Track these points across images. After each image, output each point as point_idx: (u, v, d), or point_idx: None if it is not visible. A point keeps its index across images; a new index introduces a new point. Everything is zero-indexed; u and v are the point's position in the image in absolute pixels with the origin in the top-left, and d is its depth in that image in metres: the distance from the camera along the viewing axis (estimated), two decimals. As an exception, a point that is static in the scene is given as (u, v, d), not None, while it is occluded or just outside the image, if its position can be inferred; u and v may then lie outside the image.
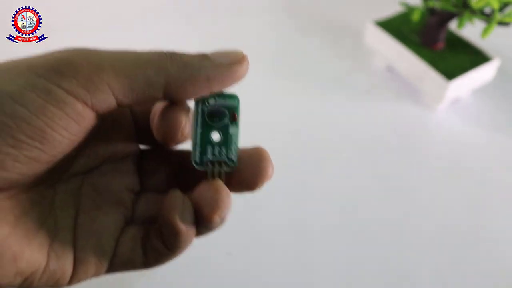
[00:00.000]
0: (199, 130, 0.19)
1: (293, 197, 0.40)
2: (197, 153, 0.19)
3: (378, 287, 0.35)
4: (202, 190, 0.19)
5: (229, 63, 0.18)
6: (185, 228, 0.18)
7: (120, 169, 0.22)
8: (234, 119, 0.19)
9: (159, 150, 0.23)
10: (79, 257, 0.19)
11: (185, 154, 0.22)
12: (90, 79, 0.16)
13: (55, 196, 0.20)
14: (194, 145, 0.19)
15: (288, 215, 0.39)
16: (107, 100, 0.17)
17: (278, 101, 0.49)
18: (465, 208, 0.40)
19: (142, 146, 0.23)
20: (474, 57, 0.47)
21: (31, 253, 0.18)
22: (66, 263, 0.19)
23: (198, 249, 0.36)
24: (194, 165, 0.19)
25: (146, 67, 0.17)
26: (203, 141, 0.19)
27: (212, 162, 0.19)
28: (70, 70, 0.16)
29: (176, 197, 0.18)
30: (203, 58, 0.18)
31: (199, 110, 0.19)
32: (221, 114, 0.19)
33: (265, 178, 0.19)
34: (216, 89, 0.18)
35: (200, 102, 0.19)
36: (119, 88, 0.17)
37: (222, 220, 0.19)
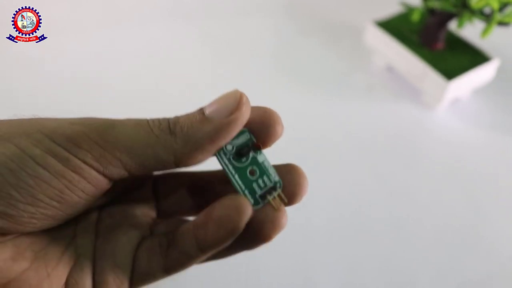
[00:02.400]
0: (237, 178, 0.19)
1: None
2: (249, 196, 0.19)
3: (378, 287, 0.35)
4: (266, 214, 0.19)
5: (229, 116, 0.18)
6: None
7: (136, 197, 0.22)
8: (257, 148, 0.19)
9: (172, 174, 0.23)
10: (97, 280, 0.20)
11: (197, 174, 0.23)
12: (104, 156, 0.17)
13: (76, 227, 0.21)
14: (242, 191, 0.19)
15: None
16: (119, 173, 0.18)
17: (277, 101, 0.49)
18: (464, 208, 0.40)
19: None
20: (474, 57, 0.47)
21: (50, 284, 0.18)
22: None
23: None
24: (254, 207, 0.19)
25: (155, 147, 0.18)
26: (246, 183, 0.19)
27: (264, 195, 0.19)
28: (85, 143, 0.17)
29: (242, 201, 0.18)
30: (203, 122, 0.18)
31: (225, 161, 0.19)
32: (244, 152, 0.19)
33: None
34: (224, 143, 0.19)
35: (219, 154, 0.19)
36: (131, 164, 0.18)
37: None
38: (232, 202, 0.18)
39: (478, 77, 0.47)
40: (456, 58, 0.47)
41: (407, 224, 0.39)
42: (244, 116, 0.18)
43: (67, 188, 0.17)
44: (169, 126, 0.18)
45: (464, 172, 0.43)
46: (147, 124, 0.18)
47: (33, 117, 0.19)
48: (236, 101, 0.18)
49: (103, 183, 0.18)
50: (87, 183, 0.18)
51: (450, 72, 0.45)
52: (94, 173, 0.17)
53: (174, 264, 0.20)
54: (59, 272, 0.19)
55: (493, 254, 0.37)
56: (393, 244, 0.38)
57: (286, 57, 0.54)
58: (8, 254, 0.18)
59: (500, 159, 0.44)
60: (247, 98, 0.18)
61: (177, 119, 0.18)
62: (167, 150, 0.18)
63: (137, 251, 0.20)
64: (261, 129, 0.20)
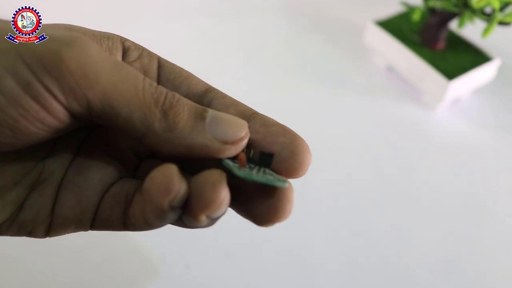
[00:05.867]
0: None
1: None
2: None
3: (377, 286, 0.35)
4: (200, 181, 0.16)
5: (223, 141, 0.16)
6: (172, 214, 0.16)
7: None
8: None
9: None
10: (57, 211, 0.18)
11: None
12: (73, 91, 0.15)
13: (52, 147, 0.18)
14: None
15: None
16: (83, 114, 0.16)
17: (277, 101, 0.49)
18: (464, 208, 0.40)
19: None
20: (475, 57, 0.47)
21: (3, 205, 0.17)
22: (39, 216, 0.18)
23: (196, 250, 0.36)
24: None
25: (135, 109, 0.15)
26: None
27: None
28: (57, 70, 0.14)
29: (172, 176, 0.15)
30: (197, 129, 0.16)
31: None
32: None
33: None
34: (196, 157, 0.16)
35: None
36: (98, 112, 0.15)
37: (211, 220, 0.16)
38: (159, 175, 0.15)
39: (479, 77, 0.47)
40: (457, 57, 0.47)
41: (407, 224, 0.39)
42: (234, 152, 0.17)
43: (22, 117, 0.14)
44: (164, 101, 0.16)
45: (464, 172, 0.43)
46: (142, 80, 0.16)
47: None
48: (238, 134, 0.16)
49: (65, 117, 0.15)
50: (47, 114, 0.15)
51: (450, 72, 0.45)
52: (56, 105, 0.15)
53: (132, 224, 0.18)
54: (16, 195, 0.17)
55: (494, 256, 0.37)
56: (391, 245, 0.38)
57: (286, 57, 0.54)
58: None
59: (501, 159, 0.44)
60: (247, 139, 0.17)
61: (177, 101, 0.16)
62: (145, 121, 0.15)
63: (105, 194, 0.18)
64: (286, 159, 0.17)
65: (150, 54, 0.20)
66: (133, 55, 0.20)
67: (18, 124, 0.15)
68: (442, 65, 0.46)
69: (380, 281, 0.36)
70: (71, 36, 0.15)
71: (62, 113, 0.15)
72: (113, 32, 0.20)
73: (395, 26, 0.50)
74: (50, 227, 0.18)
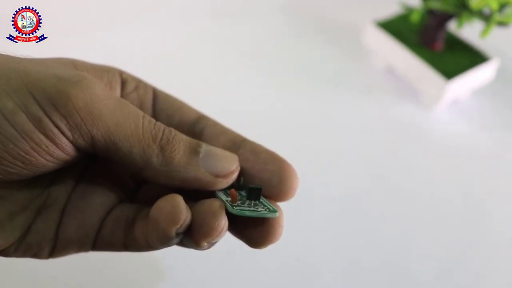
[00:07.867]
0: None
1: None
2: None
3: (377, 285, 0.35)
4: (202, 210, 0.17)
5: (216, 174, 0.18)
6: (176, 239, 0.17)
7: None
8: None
9: None
10: (60, 234, 0.19)
11: None
12: (80, 127, 0.16)
13: (56, 174, 0.19)
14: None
15: (285, 213, 0.39)
16: (86, 148, 0.17)
17: (276, 101, 0.49)
18: (464, 209, 0.40)
19: None
20: (473, 57, 0.47)
21: (11, 229, 0.18)
22: (44, 239, 0.19)
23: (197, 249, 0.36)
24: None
25: (135, 145, 0.17)
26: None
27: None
28: (64, 108, 0.16)
29: (179, 207, 0.17)
30: (190, 161, 0.17)
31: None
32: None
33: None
34: (190, 188, 0.18)
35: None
36: (101, 147, 0.17)
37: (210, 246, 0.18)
38: (166, 203, 0.17)
39: (477, 77, 0.47)
40: (455, 58, 0.47)
41: (405, 225, 0.39)
42: (225, 184, 0.18)
43: (33, 150, 0.16)
44: (162, 137, 0.17)
45: (465, 172, 0.43)
46: (142, 118, 0.17)
47: (21, 56, 0.17)
48: (229, 168, 0.18)
49: (71, 151, 0.17)
50: (56, 148, 0.16)
51: (449, 72, 0.45)
52: (64, 139, 0.16)
53: (133, 245, 0.19)
54: (23, 220, 0.18)
55: (496, 260, 0.37)
56: (391, 246, 0.38)
57: (284, 58, 0.54)
58: None
59: (501, 159, 0.44)
60: (237, 172, 0.18)
61: (173, 137, 0.18)
62: (143, 156, 0.17)
63: (106, 217, 0.20)
64: (275, 185, 0.19)
65: (146, 85, 0.22)
66: (130, 86, 0.21)
67: (30, 157, 0.16)
68: (441, 66, 0.46)
69: (380, 284, 0.36)
70: (77, 76, 0.17)
71: (68, 147, 0.17)
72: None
73: (394, 27, 0.50)
74: (54, 249, 0.19)
